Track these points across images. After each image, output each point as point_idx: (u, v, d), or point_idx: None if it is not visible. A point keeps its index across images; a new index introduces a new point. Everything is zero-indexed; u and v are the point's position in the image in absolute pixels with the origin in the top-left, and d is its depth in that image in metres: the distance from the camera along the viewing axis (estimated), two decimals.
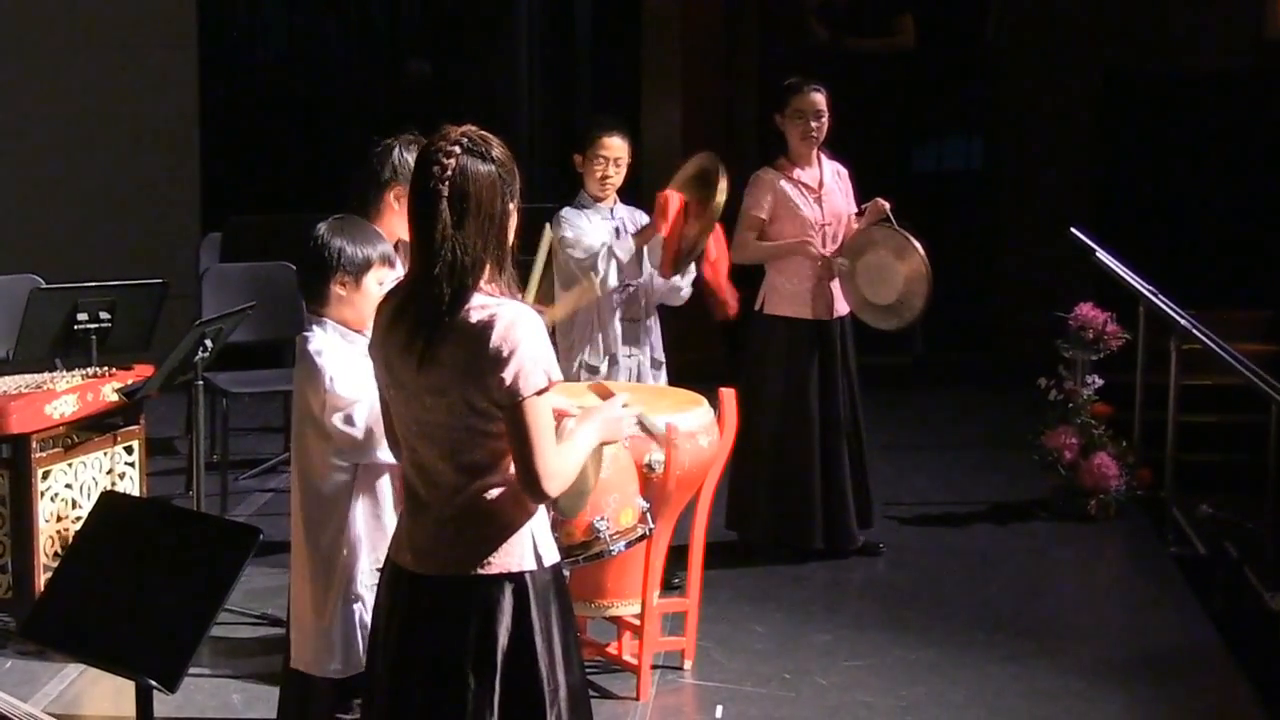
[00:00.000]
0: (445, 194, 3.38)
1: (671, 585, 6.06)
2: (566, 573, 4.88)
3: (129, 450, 6.26)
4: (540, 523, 3.54)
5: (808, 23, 10.62)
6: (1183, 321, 7.48)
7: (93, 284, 6.41)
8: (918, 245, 6.73)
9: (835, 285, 6.84)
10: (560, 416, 3.68)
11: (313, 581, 4.36)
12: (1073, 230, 7.89)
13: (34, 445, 5.86)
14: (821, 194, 6.85)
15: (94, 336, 6.28)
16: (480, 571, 3.45)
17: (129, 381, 6.12)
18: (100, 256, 9.35)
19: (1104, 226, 8.61)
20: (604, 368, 6.18)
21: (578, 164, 6.24)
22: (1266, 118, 9.98)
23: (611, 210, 6.27)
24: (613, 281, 6.13)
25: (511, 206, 3.46)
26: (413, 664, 3.49)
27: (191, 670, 3.96)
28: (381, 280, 4.32)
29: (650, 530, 5.04)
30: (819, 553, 6.88)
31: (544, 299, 5.97)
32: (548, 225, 6.11)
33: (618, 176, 6.22)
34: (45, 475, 5.93)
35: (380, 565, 3.80)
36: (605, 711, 5.34)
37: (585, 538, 4.86)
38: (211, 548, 3.82)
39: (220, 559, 3.75)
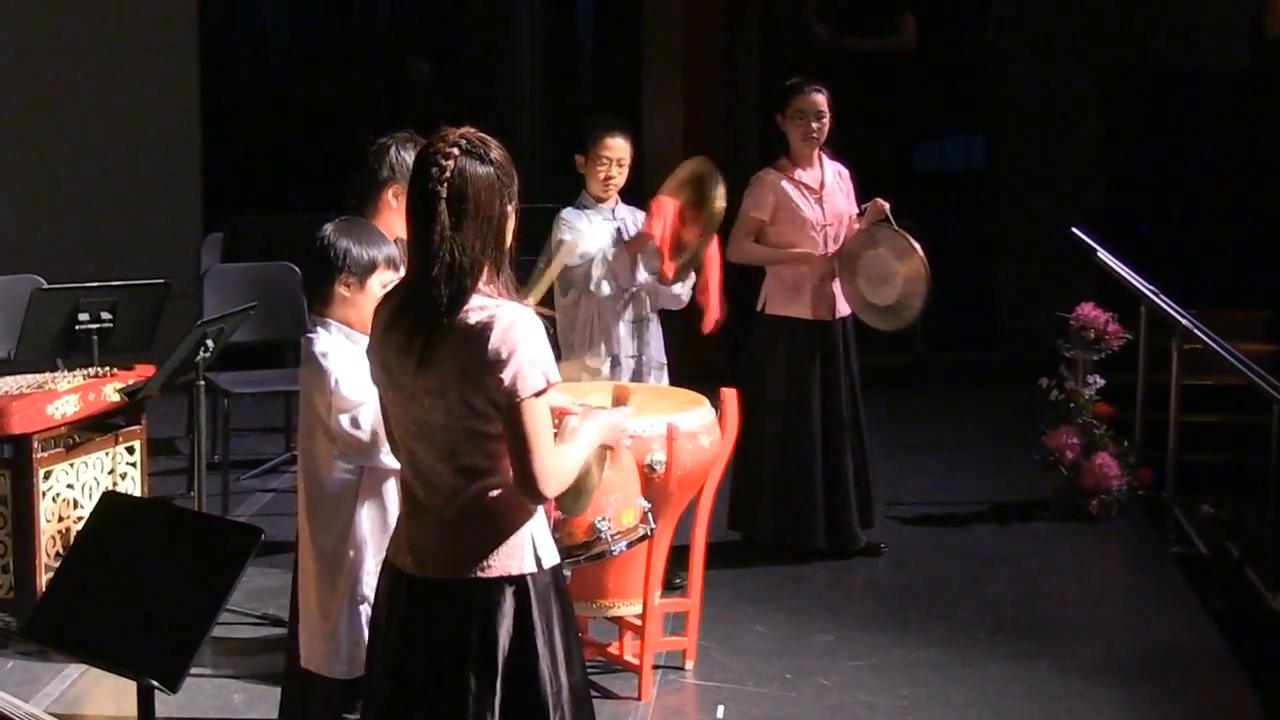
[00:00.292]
0: (443, 195, 3.38)
1: (673, 585, 6.06)
2: (568, 573, 4.88)
3: (130, 450, 6.26)
4: (539, 524, 3.54)
5: (809, 23, 10.61)
6: (1184, 321, 7.48)
7: (94, 284, 6.41)
8: (917, 246, 6.73)
9: (837, 286, 6.85)
10: (560, 415, 3.68)
11: (319, 582, 4.35)
12: (1074, 230, 7.89)
13: (35, 445, 5.86)
14: (823, 194, 6.85)
15: (95, 337, 6.28)
16: (481, 574, 3.45)
17: (130, 382, 6.12)
18: (101, 257, 9.35)
19: (1105, 226, 8.61)
20: (606, 369, 6.17)
21: (579, 165, 6.24)
22: (1267, 117, 9.97)
23: (613, 211, 6.27)
24: (606, 290, 6.12)
25: (510, 208, 3.46)
26: (413, 667, 3.49)
27: (193, 670, 3.97)
28: (386, 282, 4.32)
29: (652, 530, 5.04)
30: (821, 553, 6.88)
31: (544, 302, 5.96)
32: (565, 237, 6.07)
33: (620, 177, 6.22)
34: (47, 475, 5.93)
35: None
36: (607, 712, 5.34)
37: (587, 538, 4.86)
38: (213, 548, 3.82)
39: (222, 559, 3.75)
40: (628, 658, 5.69)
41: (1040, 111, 10.60)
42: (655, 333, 6.36)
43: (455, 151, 3.40)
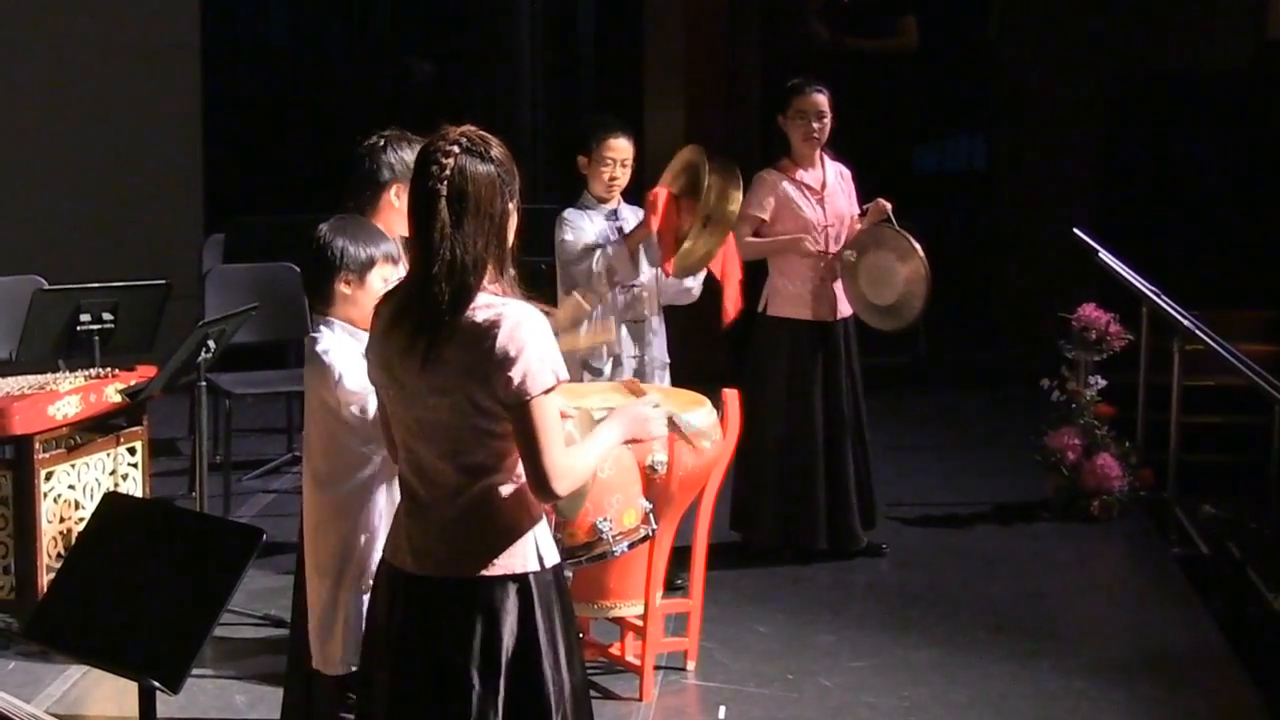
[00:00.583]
0: (444, 193, 3.38)
1: (674, 586, 6.06)
2: (569, 573, 4.88)
3: (132, 451, 6.26)
4: (541, 524, 3.54)
5: (810, 23, 10.62)
6: (1186, 322, 7.47)
7: (96, 285, 6.41)
8: (918, 247, 6.73)
9: (838, 286, 6.85)
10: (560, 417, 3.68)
11: (323, 579, 4.35)
12: (1075, 231, 7.89)
13: (37, 446, 5.86)
14: (824, 195, 6.85)
15: (97, 337, 6.28)
16: (484, 573, 3.45)
17: (132, 382, 6.12)
18: (103, 257, 9.35)
19: (1106, 227, 8.61)
20: (607, 370, 6.17)
21: (582, 166, 6.22)
22: (1267, 117, 9.97)
23: (615, 211, 6.26)
24: (603, 287, 6.11)
25: (511, 206, 3.46)
26: (415, 667, 3.49)
27: (194, 671, 3.98)
28: (386, 278, 4.33)
29: (653, 531, 5.03)
30: (822, 553, 6.88)
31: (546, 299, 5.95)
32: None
33: (624, 178, 6.20)
34: (48, 476, 5.93)
35: None
36: (608, 712, 5.34)
37: (588, 538, 4.85)
38: (214, 549, 3.82)
39: (223, 560, 3.75)
40: (629, 658, 5.69)
41: (1041, 112, 10.60)
42: (658, 332, 6.35)
43: (456, 150, 3.41)
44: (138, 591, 3.81)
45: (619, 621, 5.66)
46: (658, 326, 6.34)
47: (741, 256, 6.66)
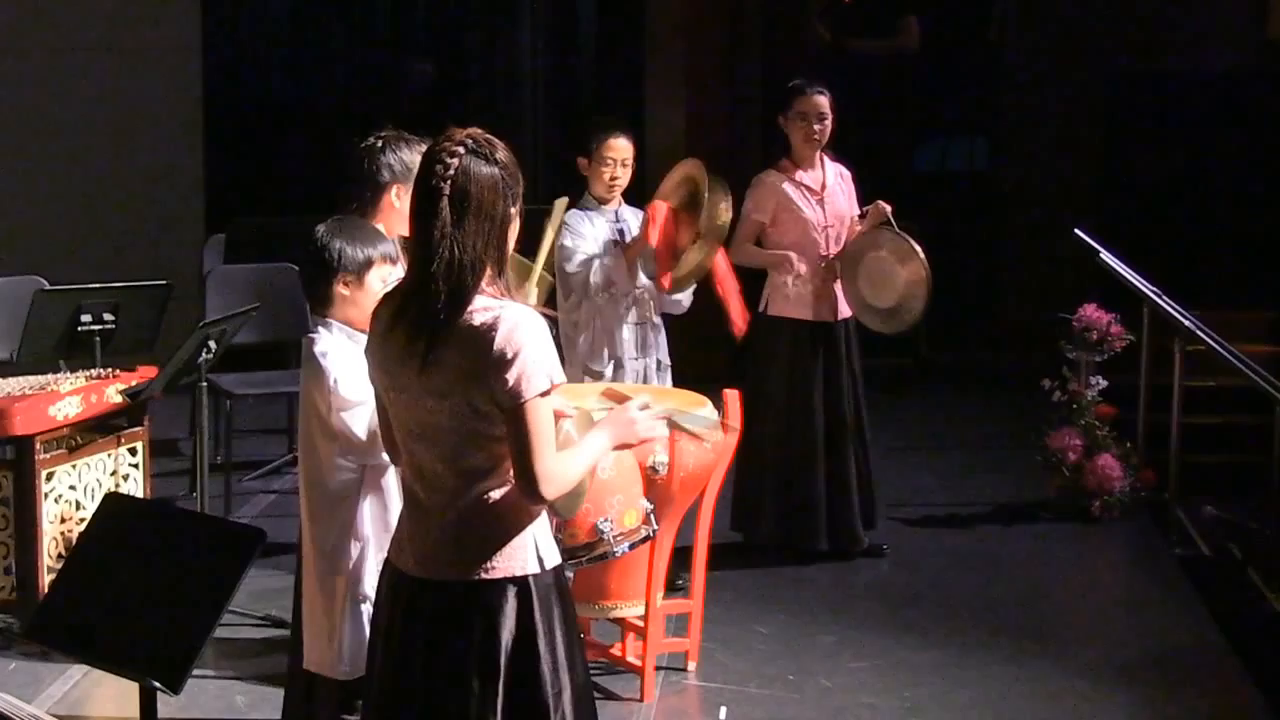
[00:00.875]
0: (446, 193, 3.38)
1: (675, 587, 6.06)
2: (570, 574, 4.89)
3: (133, 452, 6.26)
4: (541, 525, 3.54)
5: (811, 25, 10.62)
6: (1187, 323, 7.47)
7: (96, 285, 6.42)
8: (918, 249, 6.72)
9: (839, 287, 6.84)
10: (558, 417, 3.68)
11: (321, 583, 4.35)
12: (1076, 231, 7.88)
13: (38, 447, 5.86)
14: (824, 196, 6.85)
15: (98, 338, 6.29)
16: (483, 576, 3.45)
17: (133, 383, 6.12)
18: (104, 258, 9.36)
19: (1107, 227, 8.60)
20: (608, 372, 6.17)
21: (582, 167, 6.22)
22: (1269, 117, 9.97)
23: (616, 213, 6.26)
24: (600, 295, 6.11)
25: (513, 210, 3.46)
26: (415, 669, 3.49)
27: (195, 672, 3.97)
28: (385, 278, 4.32)
29: (654, 532, 5.04)
30: (823, 554, 6.88)
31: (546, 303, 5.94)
32: (561, 202, 5.94)
33: (625, 178, 6.21)
34: (49, 477, 5.93)
35: None
36: (609, 713, 5.34)
37: (589, 539, 4.86)
38: (215, 549, 3.82)
39: (224, 561, 3.75)
40: (630, 659, 5.68)
41: (1042, 113, 10.61)
42: (660, 334, 6.35)
43: (461, 150, 3.40)
44: (138, 592, 3.81)
45: (620, 622, 5.66)
46: (660, 328, 6.35)
47: (739, 262, 6.66)
